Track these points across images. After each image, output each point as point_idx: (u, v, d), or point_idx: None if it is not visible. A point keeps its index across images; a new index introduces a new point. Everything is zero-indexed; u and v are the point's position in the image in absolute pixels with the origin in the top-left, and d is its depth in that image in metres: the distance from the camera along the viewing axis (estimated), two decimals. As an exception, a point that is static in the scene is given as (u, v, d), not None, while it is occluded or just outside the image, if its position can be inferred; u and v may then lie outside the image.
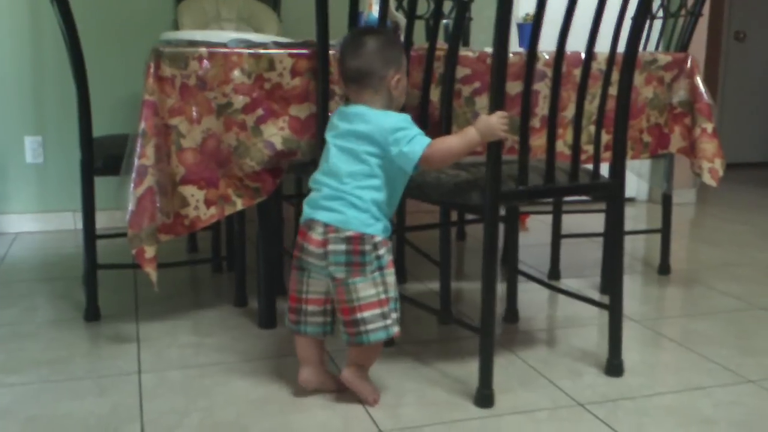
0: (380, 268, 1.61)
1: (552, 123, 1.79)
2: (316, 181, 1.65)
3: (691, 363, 1.99)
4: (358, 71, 1.61)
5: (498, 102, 1.60)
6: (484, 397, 1.71)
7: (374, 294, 1.60)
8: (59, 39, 2.32)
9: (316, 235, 1.60)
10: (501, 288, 2.64)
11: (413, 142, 1.56)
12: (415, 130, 1.59)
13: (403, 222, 2.44)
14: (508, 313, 2.30)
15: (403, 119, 1.60)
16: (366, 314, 1.60)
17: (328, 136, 1.66)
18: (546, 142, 1.80)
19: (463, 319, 2.24)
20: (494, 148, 1.61)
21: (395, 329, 1.64)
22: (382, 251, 1.61)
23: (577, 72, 2.20)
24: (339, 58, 1.67)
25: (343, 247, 1.58)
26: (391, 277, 1.63)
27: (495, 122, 1.56)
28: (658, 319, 2.36)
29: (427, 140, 1.57)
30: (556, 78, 1.75)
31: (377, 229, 1.60)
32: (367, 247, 1.58)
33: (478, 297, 1.66)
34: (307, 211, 1.65)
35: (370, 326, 1.61)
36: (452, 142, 1.59)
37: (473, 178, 1.72)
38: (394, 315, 1.63)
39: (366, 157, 1.59)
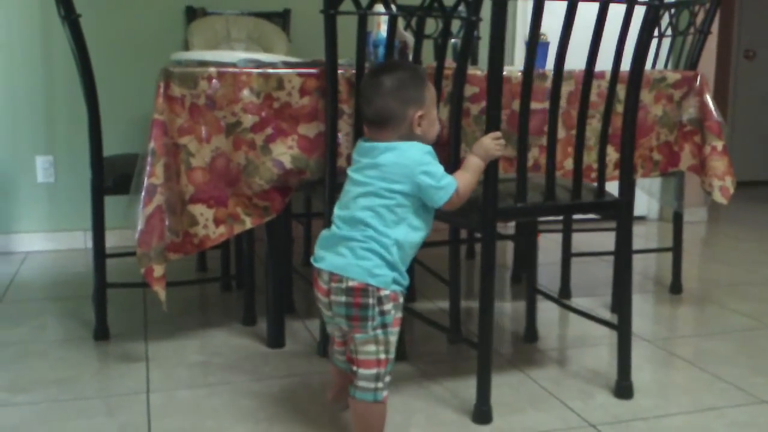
0: (383, 326, 1.45)
1: (552, 140, 1.79)
2: (333, 216, 1.53)
3: (704, 383, 1.97)
4: (377, 115, 1.51)
5: (493, 123, 1.64)
6: (482, 413, 1.71)
7: (374, 352, 1.45)
8: (70, 59, 2.33)
9: (323, 282, 1.48)
10: (513, 306, 2.64)
11: (446, 178, 1.50)
12: (439, 166, 1.51)
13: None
14: (528, 332, 2.28)
15: (428, 150, 1.51)
16: (362, 371, 1.46)
17: (350, 170, 1.56)
18: (546, 159, 1.80)
19: (472, 338, 2.23)
20: (491, 167, 1.65)
21: (384, 394, 1.47)
22: (388, 306, 1.45)
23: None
24: (361, 98, 1.58)
25: (343, 298, 1.44)
26: (394, 337, 1.48)
27: (489, 143, 1.61)
28: (670, 338, 2.33)
29: (455, 182, 1.51)
30: (555, 95, 1.74)
31: (384, 280, 1.44)
32: (370, 301, 1.44)
33: (487, 316, 1.66)
34: (316, 253, 1.52)
35: (361, 383, 1.46)
36: (467, 179, 1.57)
37: (474, 197, 1.68)
38: (388, 378, 1.48)
39: (385, 193, 1.47)
